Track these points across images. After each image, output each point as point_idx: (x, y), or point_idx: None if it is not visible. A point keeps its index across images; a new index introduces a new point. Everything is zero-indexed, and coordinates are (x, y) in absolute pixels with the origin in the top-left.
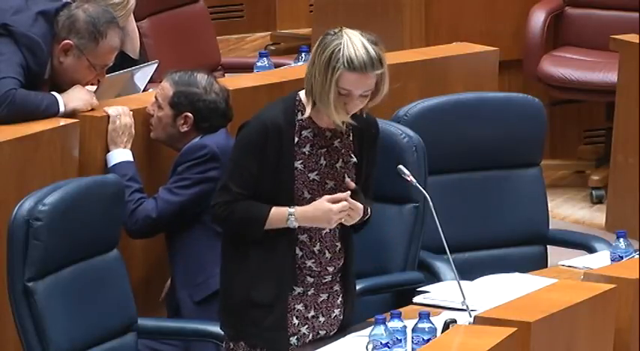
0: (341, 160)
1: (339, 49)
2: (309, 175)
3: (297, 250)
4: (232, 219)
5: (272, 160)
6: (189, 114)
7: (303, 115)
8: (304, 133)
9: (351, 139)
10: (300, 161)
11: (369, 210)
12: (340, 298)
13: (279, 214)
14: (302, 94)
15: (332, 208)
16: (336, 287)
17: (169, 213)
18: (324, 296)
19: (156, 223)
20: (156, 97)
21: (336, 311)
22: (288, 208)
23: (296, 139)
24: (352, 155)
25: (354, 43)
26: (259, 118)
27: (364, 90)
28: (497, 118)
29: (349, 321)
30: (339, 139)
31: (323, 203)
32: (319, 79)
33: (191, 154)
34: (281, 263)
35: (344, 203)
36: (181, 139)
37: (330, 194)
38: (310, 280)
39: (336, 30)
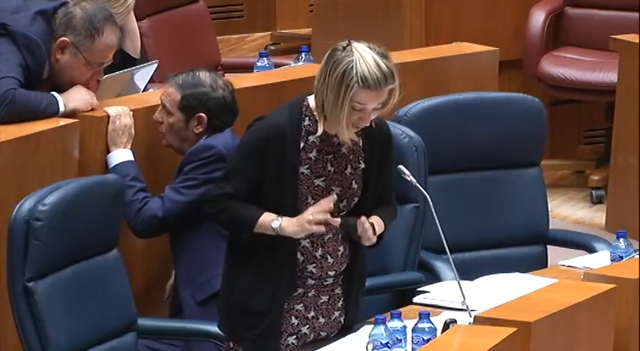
0: (350, 166)
1: (352, 66)
2: (314, 180)
3: (299, 255)
4: (221, 218)
5: (275, 166)
6: (202, 114)
7: (310, 120)
8: (311, 138)
9: (361, 145)
10: (307, 167)
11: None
12: (341, 302)
13: (267, 223)
14: (310, 99)
15: (309, 219)
16: (338, 290)
17: (176, 213)
18: (324, 298)
19: (162, 223)
20: (163, 104)
21: (337, 313)
22: (276, 219)
23: (302, 145)
24: (361, 161)
25: (366, 60)
26: (263, 124)
27: (378, 103)
28: (497, 118)
29: (352, 324)
30: (347, 145)
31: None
32: (331, 97)
33: (198, 155)
34: (281, 270)
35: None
36: (194, 141)
37: (334, 201)
38: (311, 282)
39: (344, 44)
